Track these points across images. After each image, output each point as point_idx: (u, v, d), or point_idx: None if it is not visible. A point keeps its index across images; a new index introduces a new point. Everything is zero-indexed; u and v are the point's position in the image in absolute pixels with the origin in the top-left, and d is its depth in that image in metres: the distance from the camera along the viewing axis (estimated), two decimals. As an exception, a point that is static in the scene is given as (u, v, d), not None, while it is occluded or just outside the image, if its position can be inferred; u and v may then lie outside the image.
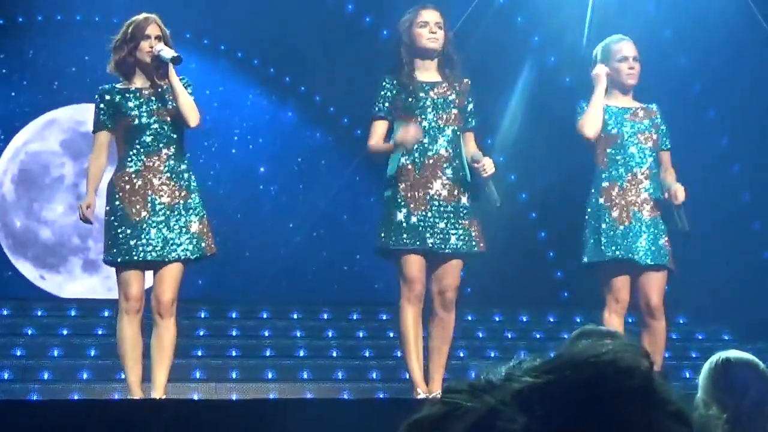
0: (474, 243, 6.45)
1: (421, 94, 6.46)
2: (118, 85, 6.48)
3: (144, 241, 6.27)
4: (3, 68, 12.73)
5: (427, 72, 6.56)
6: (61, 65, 12.62)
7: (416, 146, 6.40)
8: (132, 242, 6.28)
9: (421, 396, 6.32)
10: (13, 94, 12.75)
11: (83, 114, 12.39)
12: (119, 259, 6.31)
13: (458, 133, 6.53)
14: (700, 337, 10.91)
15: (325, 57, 12.65)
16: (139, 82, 6.46)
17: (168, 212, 6.34)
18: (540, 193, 12.63)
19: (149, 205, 6.31)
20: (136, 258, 6.27)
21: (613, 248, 6.81)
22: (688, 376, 9.21)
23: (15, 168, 12.70)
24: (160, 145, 6.39)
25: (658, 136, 7.04)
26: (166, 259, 6.30)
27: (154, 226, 6.30)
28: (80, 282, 12.68)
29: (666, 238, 6.90)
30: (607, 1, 10.90)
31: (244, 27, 12.62)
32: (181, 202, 6.38)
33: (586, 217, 6.91)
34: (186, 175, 6.45)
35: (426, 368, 6.55)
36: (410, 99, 6.46)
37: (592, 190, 6.94)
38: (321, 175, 13.51)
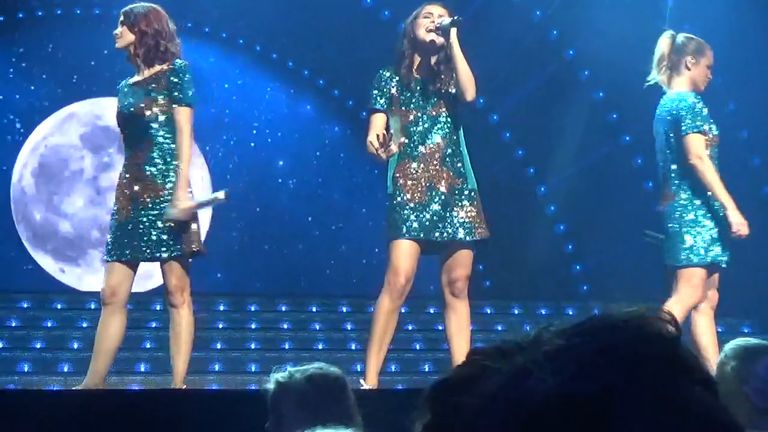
0: (477, 229, 6.39)
1: (418, 88, 6.41)
2: (128, 79, 6.34)
3: (135, 242, 6.03)
4: (22, 62, 12.77)
5: (426, 67, 6.48)
6: (80, 59, 12.65)
7: (413, 138, 6.36)
8: (123, 241, 6.07)
9: (364, 387, 6.33)
10: (32, 87, 12.78)
11: (102, 108, 12.43)
12: (113, 259, 6.09)
13: (454, 120, 6.45)
14: (719, 330, 10.85)
15: (343, 50, 12.64)
16: (137, 75, 6.30)
17: (157, 209, 6.03)
18: (559, 187, 12.60)
19: (132, 203, 6.07)
20: (128, 258, 6.06)
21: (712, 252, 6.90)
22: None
23: (35, 161, 12.74)
24: (144, 140, 6.11)
25: None
26: (158, 257, 6.05)
27: (142, 226, 6.04)
28: (100, 275, 12.56)
29: None
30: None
31: (263, 21, 12.63)
32: (168, 198, 6.05)
33: (683, 218, 6.76)
34: (172, 172, 6.09)
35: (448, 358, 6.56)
36: (407, 93, 6.41)
37: (688, 193, 6.76)
38: (339, 168, 13.51)
